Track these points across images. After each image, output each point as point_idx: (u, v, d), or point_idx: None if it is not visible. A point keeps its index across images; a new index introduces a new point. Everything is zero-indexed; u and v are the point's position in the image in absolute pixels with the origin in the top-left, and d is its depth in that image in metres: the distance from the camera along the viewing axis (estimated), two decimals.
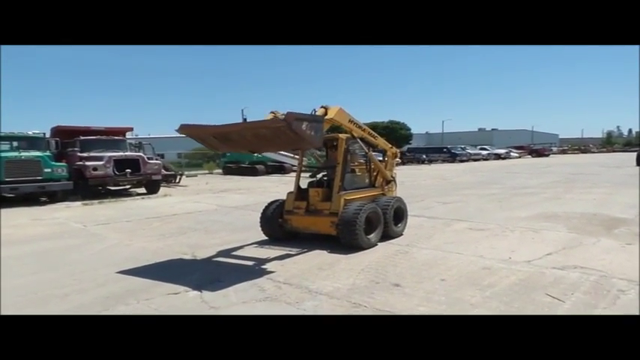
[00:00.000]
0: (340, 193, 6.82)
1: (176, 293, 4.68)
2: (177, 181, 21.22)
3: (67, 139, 16.07)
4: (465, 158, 43.96)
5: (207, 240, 7.62)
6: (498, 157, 48.60)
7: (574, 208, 10.29)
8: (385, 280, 5.04)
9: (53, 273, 5.64)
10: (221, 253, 6.58)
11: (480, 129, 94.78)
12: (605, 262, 5.55)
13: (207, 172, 32.36)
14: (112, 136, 17.02)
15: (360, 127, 7.21)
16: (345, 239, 6.41)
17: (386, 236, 7.07)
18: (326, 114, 6.41)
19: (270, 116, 6.48)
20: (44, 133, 15.80)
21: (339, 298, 4.46)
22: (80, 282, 5.20)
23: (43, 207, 13.16)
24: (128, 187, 17.26)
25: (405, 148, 50.93)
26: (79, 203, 13.83)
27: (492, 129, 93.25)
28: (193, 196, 15.85)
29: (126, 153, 16.01)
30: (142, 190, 16.98)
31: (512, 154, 51.27)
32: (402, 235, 7.48)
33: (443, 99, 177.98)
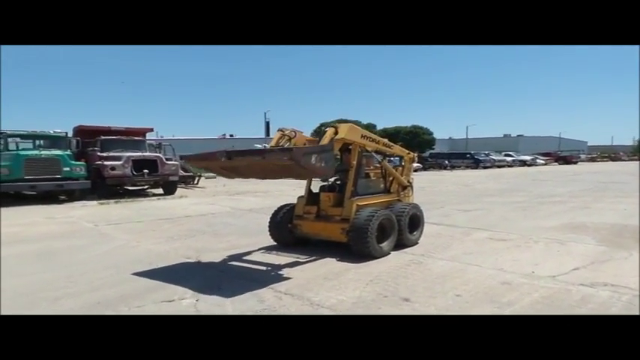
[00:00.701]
0: (352, 198, 6.49)
1: (170, 301, 4.43)
2: (195, 182, 21.23)
3: (88, 138, 16.25)
4: (488, 164, 42.93)
5: (215, 244, 7.40)
6: (524, 163, 47.33)
7: (604, 218, 9.70)
8: (394, 293, 4.68)
9: (51, 274, 5.49)
10: (226, 258, 6.33)
11: (505, 135, 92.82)
12: (638, 280, 5.07)
13: None
14: (132, 137, 17.10)
15: (373, 140, 6.85)
16: (355, 247, 6.09)
17: (400, 245, 6.70)
18: (336, 133, 6.08)
19: (277, 135, 6.47)
20: (66, 133, 15.99)
21: (342, 312, 4.13)
22: (75, 284, 5.02)
23: (60, 205, 13.24)
24: (146, 187, 17.28)
25: (426, 153, 50.17)
26: (95, 202, 13.88)
27: (518, 135, 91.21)
28: (209, 197, 15.74)
29: (144, 153, 16.03)
30: (160, 190, 16.99)
31: (538, 160, 49.87)
32: (417, 243, 7.10)
33: (468, 104, 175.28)
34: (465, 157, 44.65)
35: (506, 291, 4.77)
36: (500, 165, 44.43)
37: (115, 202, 13.96)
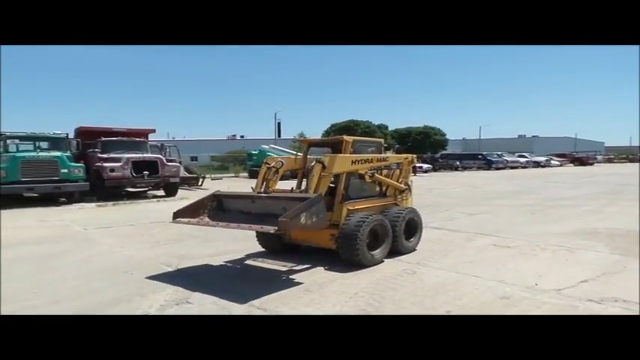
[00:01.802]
0: (343, 202, 6.07)
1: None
2: (199, 184, 20.97)
3: (89, 139, 16.04)
4: (501, 165, 42.02)
5: (201, 249, 7.03)
6: (538, 165, 46.24)
7: (618, 223, 9.11)
8: (378, 309, 4.24)
9: (18, 283, 5.16)
10: (207, 267, 5.97)
11: (519, 136, 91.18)
12: None
13: (233, 175, 32.21)
14: (134, 138, 16.86)
15: (366, 160, 6.33)
16: (344, 255, 5.65)
17: (396, 252, 6.27)
18: (324, 167, 5.64)
19: (263, 169, 6.14)
20: (67, 134, 15.81)
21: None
22: (37, 296, 4.67)
23: (57, 207, 13.03)
24: (146, 189, 17.04)
25: (438, 154, 49.42)
26: (93, 205, 13.66)
27: (533, 136, 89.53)
28: None
29: (144, 155, 15.78)
30: (161, 192, 16.73)
31: (552, 162, 48.70)
32: (415, 250, 6.65)
33: (482, 104, 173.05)
34: (476, 157, 43.78)
35: (504, 307, 4.30)
36: (513, 166, 43.46)
37: (113, 205, 13.72)
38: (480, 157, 43.53)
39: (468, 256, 6.44)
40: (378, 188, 6.96)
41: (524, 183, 22.43)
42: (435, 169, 37.48)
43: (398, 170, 7.35)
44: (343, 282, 5.11)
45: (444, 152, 52.18)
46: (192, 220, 5.68)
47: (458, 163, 41.54)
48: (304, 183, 6.66)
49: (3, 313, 3.38)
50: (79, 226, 9.52)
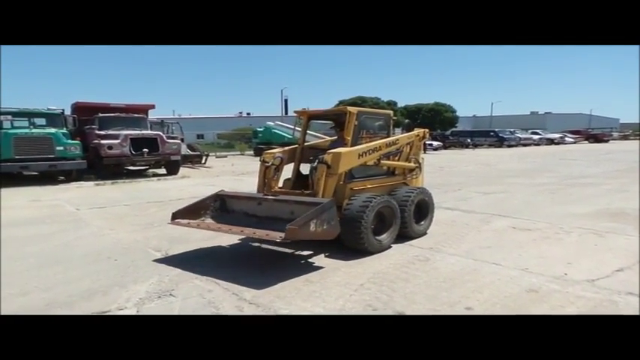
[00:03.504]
0: (346, 182, 5.49)
1: (105, 312, 3.55)
2: (203, 162, 20.46)
3: (86, 116, 15.48)
4: (513, 143, 40.91)
5: (194, 232, 6.45)
6: (551, 142, 45.07)
7: None
8: (387, 304, 3.69)
9: None
10: (199, 252, 5.44)
11: (532, 112, 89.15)
12: None
13: (239, 152, 31.66)
14: (132, 114, 16.28)
15: (375, 149, 5.70)
16: (347, 240, 5.08)
17: (405, 236, 5.69)
18: (329, 167, 5.13)
19: (261, 169, 5.86)
20: (63, 110, 15.24)
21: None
22: (6, 286, 4.17)
23: (54, 186, 12.58)
24: (147, 167, 16.53)
25: (448, 131, 48.39)
26: (92, 183, 13.22)
27: (546, 112, 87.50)
28: (212, 178, 14.90)
29: (144, 132, 15.22)
30: (163, 170, 16.24)
31: (567, 139, 47.40)
32: (425, 234, 6.07)
33: (493, 80, 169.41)
34: (488, 135, 42.69)
35: (532, 302, 3.74)
36: (526, 143, 42.35)
37: (112, 184, 13.26)
38: (491, 134, 42.44)
39: (486, 241, 5.85)
40: (385, 167, 6.33)
41: (538, 160, 21.64)
42: (445, 147, 36.62)
43: (408, 147, 6.70)
44: (348, 271, 4.56)
45: (454, 129, 51.03)
46: (192, 222, 5.24)
47: (469, 140, 40.54)
48: (302, 167, 6.19)
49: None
50: (71, 206, 9.05)
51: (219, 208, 5.60)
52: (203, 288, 4.10)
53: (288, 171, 6.26)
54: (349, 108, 5.74)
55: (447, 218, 7.31)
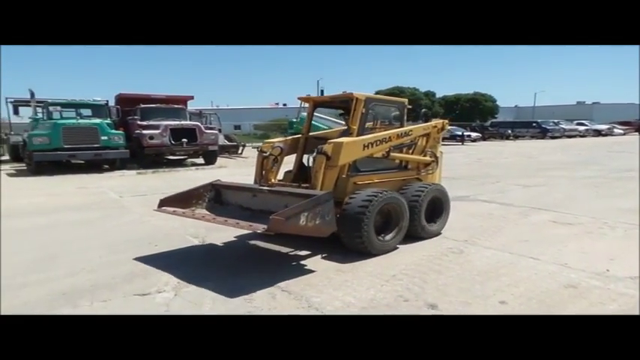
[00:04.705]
0: (349, 174, 5.16)
1: (143, 294, 3.71)
2: (239, 152, 20.81)
3: (129, 107, 16.04)
4: (557, 134, 39.33)
5: None
6: (598, 133, 43.00)
7: None
8: (419, 296, 3.68)
9: (39, 252, 4.97)
10: (232, 242, 5.56)
11: (578, 102, 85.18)
12: None
13: None
14: (172, 105, 16.72)
15: (383, 140, 5.23)
16: (346, 240, 4.69)
17: (414, 237, 5.29)
18: (329, 158, 4.73)
19: (259, 159, 5.53)
20: (107, 101, 15.85)
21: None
22: (55, 268, 4.44)
23: (98, 174, 13.16)
24: (186, 157, 16.98)
25: (488, 122, 47.10)
26: (134, 172, 13.72)
27: (594, 102, 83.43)
28: (247, 168, 15.11)
29: (183, 122, 15.62)
30: (201, 160, 16.64)
31: (615, 130, 45.07)
32: (439, 234, 5.62)
33: (537, 69, 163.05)
34: (530, 126, 41.19)
35: (570, 298, 3.63)
36: (570, 135, 40.63)
37: (153, 172, 13.73)
38: (534, 125, 40.93)
39: (524, 234, 5.70)
40: (397, 160, 5.89)
41: (584, 153, 20.74)
42: (484, 138, 35.66)
43: (424, 139, 6.19)
44: (379, 262, 4.56)
45: (494, 120, 49.57)
46: (178, 210, 4.96)
47: (509, 131, 39.27)
48: (305, 158, 5.73)
49: (6, 308, 3.34)
50: (115, 194, 9.44)
51: (214, 198, 5.34)
52: (237, 274, 4.21)
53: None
54: (356, 94, 5.24)
55: (484, 211, 7.17)
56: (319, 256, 4.77)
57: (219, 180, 5.49)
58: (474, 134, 33.64)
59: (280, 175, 5.67)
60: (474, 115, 53.46)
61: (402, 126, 5.80)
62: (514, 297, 3.64)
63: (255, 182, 5.41)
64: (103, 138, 13.54)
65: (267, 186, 5.10)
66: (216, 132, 16.65)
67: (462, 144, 30.85)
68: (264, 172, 5.43)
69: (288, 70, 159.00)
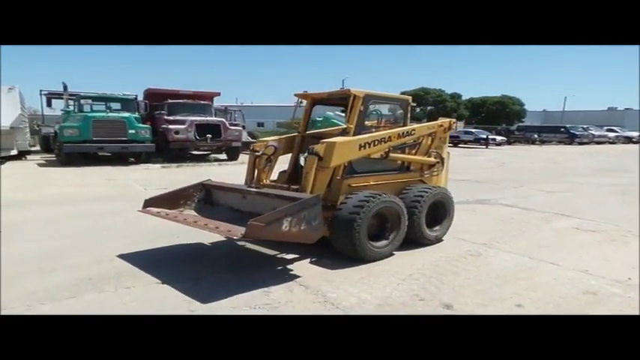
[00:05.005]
0: (344, 176, 4.85)
1: (163, 283, 3.84)
2: None
3: (157, 101, 16.39)
4: (586, 140, 38.41)
5: None
6: (629, 140, 41.78)
7: None
8: (435, 296, 3.70)
9: (65, 240, 5.17)
10: None
11: (610, 108, 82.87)
12: None
13: None
14: (199, 101, 17.01)
15: (382, 140, 4.87)
16: (337, 245, 4.47)
17: (414, 243, 5.02)
18: (321, 158, 4.41)
19: (250, 159, 5.22)
20: (136, 95, 16.25)
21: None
22: (81, 255, 4.62)
23: (124, 167, 13.52)
24: (209, 152, 17.26)
25: (514, 126, 46.26)
26: (158, 166, 14.03)
27: (626, 108, 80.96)
28: None
29: (208, 118, 15.88)
30: (223, 156, 16.87)
31: None
32: (440, 241, 5.33)
33: (567, 73, 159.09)
34: (558, 130, 40.32)
35: (588, 304, 3.60)
36: (600, 141, 39.62)
37: (177, 167, 14.01)
38: (562, 129, 40.05)
39: (545, 240, 5.63)
40: (399, 161, 5.52)
41: (612, 160, 20.23)
42: (509, 142, 35.09)
43: (429, 139, 5.80)
44: (397, 261, 4.59)
45: (520, 124, 48.65)
46: (162, 211, 4.75)
47: (536, 136, 38.56)
48: (302, 159, 5.28)
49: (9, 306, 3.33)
50: (140, 186, 9.70)
51: (204, 199, 5.13)
52: (254, 267, 4.31)
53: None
54: (353, 90, 4.89)
55: (505, 215, 7.10)
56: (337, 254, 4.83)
57: (209, 180, 5.29)
58: (498, 138, 33.13)
59: (276, 175, 5.42)
60: (500, 119, 52.62)
61: (404, 125, 5.47)
62: (531, 301, 3.62)
63: (246, 183, 5.13)
64: (130, 131, 13.90)
65: (257, 187, 4.85)
66: (240, 128, 16.88)
67: (487, 147, 30.40)
68: (256, 172, 5.15)
69: (313, 69, 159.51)
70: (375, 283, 3.93)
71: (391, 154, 5.11)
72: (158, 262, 4.41)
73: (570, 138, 38.33)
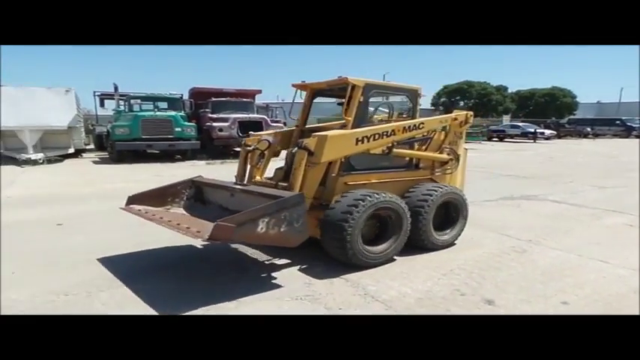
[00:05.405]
0: (340, 173, 4.47)
1: (207, 277, 4.02)
2: None
3: (201, 100, 16.91)
4: None
5: None
6: None
7: None
8: (476, 291, 3.67)
9: (114, 234, 5.44)
10: None
11: None
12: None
13: None
14: (241, 98, 17.40)
15: (384, 133, 4.42)
16: (328, 249, 4.11)
17: (419, 247, 4.63)
18: (311, 154, 4.03)
19: (243, 154, 4.99)
20: (182, 95, 16.85)
21: (397, 312, 3.29)
22: (114, 249, 4.80)
23: (171, 164, 14.05)
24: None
25: (565, 119, 44.30)
26: (203, 162, 14.48)
27: None
28: None
29: (250, 115, 16.22)
30: None
31: None
32: (452, 245, 4.91)
33: (623, 62, 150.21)
34: (613, 123, 38.27)
35: (637, 303, 3.46)
36: None
37: (221, 163, 14.41)
38: (617, 122, 37.99)
39: (594, 237, 5.43)
40: (406, 157, 5.06)
41: None
42: (559, 136, 33.73)
43: (441, 134, 5.33)
44: (438, 256, 4.56)
45: (572, 117, 46.51)
46: (143, 208, 4.51)
47: (589, 129, 36.79)
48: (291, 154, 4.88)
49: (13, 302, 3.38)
50: None
51: (194, 196, 4.88)
52: (297, 264, 4.40)
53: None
54: (352, 79, 4.42)
55: (552, 211, 6.88)
56: None
57: (200, 176, 5.04)
58: (547, 131, 31.88)
59: (271, 173, 5.04)
60: (549, 112, 50.43)
61: (413, 117, 5.03)
62: (578, 298, 3.53)
63: (236, 179, 4.87)
64: (176, 129, 14.44)
65: (244, 184, 4.58)
66: (281, 125, 17.11)
67: (534, 142, 29.32)
68: (249, 168, 4.87)
69: (354, 66, 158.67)
70: (415, 277, 3.95)
71: (395, 150, 4.62)
72: (181, 258, 4.57)
73: (627, 131, 36.31)
